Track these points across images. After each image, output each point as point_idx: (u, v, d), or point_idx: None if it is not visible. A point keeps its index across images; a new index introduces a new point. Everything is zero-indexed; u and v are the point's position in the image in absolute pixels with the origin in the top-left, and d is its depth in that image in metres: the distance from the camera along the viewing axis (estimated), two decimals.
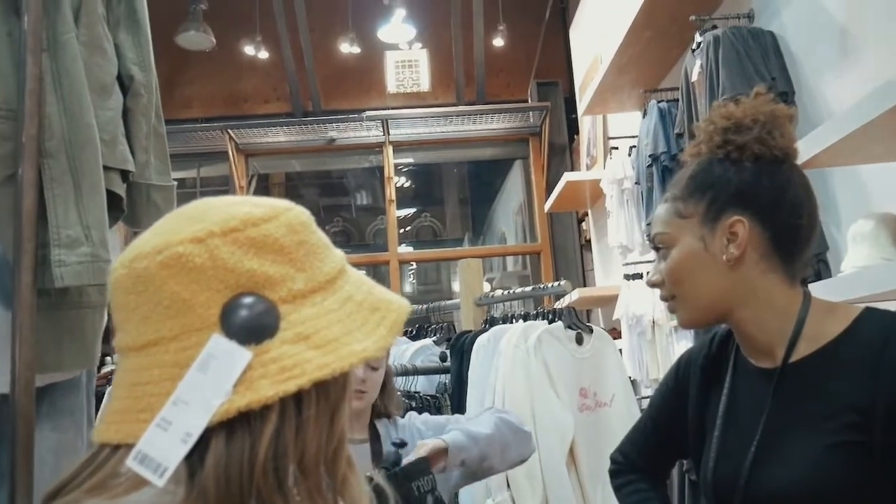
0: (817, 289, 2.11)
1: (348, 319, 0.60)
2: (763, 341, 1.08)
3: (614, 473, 1.36)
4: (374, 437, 1.72)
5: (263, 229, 0.59)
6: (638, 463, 1.32)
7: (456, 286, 8.77)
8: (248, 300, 0.56)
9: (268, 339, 0.56)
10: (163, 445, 0.52)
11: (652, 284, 1.14)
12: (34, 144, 1.12)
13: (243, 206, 0.61)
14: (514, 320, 2.41)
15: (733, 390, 1.13)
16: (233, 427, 0.54)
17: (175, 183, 1.45)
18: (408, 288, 9.21)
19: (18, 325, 1.08)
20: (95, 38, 1.28)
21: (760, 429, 1.04)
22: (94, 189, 1.17)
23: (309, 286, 0.60)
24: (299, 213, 0.64)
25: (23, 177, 1.11)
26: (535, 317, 2.36)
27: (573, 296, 4.12)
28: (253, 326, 0.56)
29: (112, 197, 1.26)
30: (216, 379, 0.53)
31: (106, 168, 1.23)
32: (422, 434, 1.72)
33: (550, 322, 2.27)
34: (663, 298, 1.13)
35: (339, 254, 0.66)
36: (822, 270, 2.76)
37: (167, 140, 1.47)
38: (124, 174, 1.29)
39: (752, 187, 1.06)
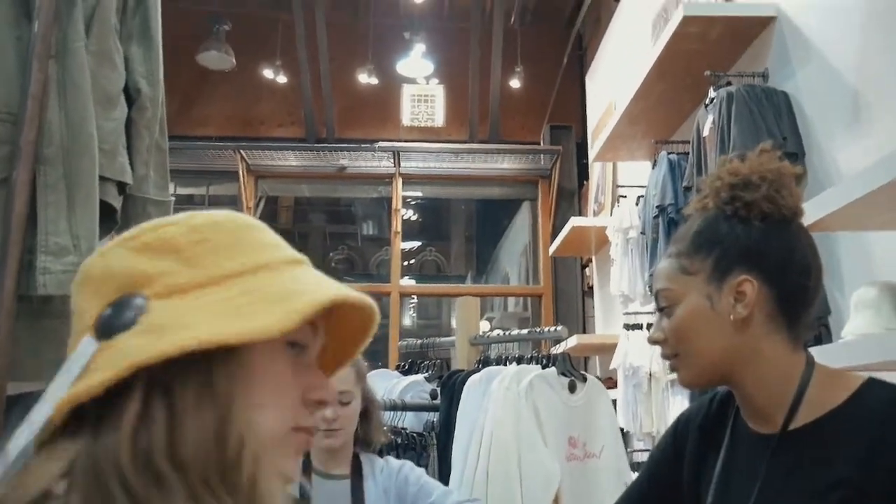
0: (818, 353, 2.07)
1: (231, 309, 0.56)
2: (763, 405, 1.05)
3: None
4: (356, 472, 1.68)
5: (161, 232, 0.59)
6: None
7: (455, 322, 8.73)
8: (121, 300, 0.57)
9: (121, 332, 0.55)
10: (18, 441, 0.54)
11: (654, 342, 1.11)
12: (31, 149, 1.12)
13: (170, 217, 0.63)
14: (508, 362, 2.37)
15: (730, 455, 1.09)
16: (100, 423, 0.54)
17: (173, 199, 1.44)
18: (407, 321, 9.18)
19: None
20: (105, 48, 1.28)
21: (754, 497, 1.01)
22: (87, 199, 1.16)
23: (195, 281, 0.57)
24: (217, 217, 0.62)
25: (16, 180, 1.10)
26: (530, 360, 2.32)
27: (571, 342, 4.09)
28: (111, 323, 0.56)
29: (107, 208, 1.25)
30: (67, 375, 0.55)
31: (103, 178, 1.22)
32: (405, 490, 1.68)
33: (544, 367, 2.24)
34: (665, 357, 1.11)
35: (274, 253, 0.62)
36: (823, 335, 2.72)
37: (181, 156, 1.47)
38: (121, 186, 1.28)
39: (761, 246, 1.05)
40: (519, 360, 2.35)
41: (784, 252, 1.05)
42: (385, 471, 1.71)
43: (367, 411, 1.73)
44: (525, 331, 2.65)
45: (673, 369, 1.10)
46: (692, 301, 1.05)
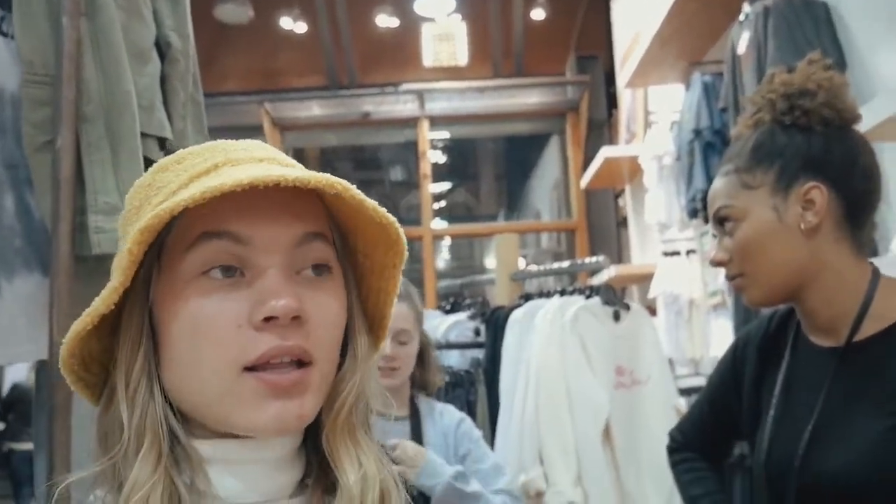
0: None
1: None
2: (828, 318, 1.03)
3: (671, 450, 1.35)
4: (415, 414, 1.70)
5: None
6: (694, 442, 1.31)
7: (488, 262, 8.75)
8: None
9: None
10: None
11: (717, 263, 1.09)
12: (72, 109, 1.12)
13: None
14: (550, 296, 2.37)
15: (792, 370, 1.09)
16: None
17: None
18: (441, 263, 9.21)
19: (56, 292, 1.08)
20: (134, 3, 1.26)
21: (818, 409, 1.01)
22: (131, 155, 1.17)
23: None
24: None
25: (61, 142, 1.10)
26: (572, 293, 2.32)
27: (609, 273, 4.08)
28: None
29: (149, 165, 1.25)
30: None
31: (143, 135, 1.22)
32: (462, 444, 1.69)
33: (588, 298, 2.23)
34: (729, 277, 1.09)
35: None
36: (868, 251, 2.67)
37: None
38: (161, 141, 1.28)
39: (824, 153, 1.02)
40: (561, 293, 2.35)
41: (848, 157, 1.03)
42: (445, 416, 1.73)
43: (424, 353, 1.74)
44: (566, 263, 2.64)
45: (739, 289, 1.08)
46: (758, 215, 1.04)
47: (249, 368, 0.55)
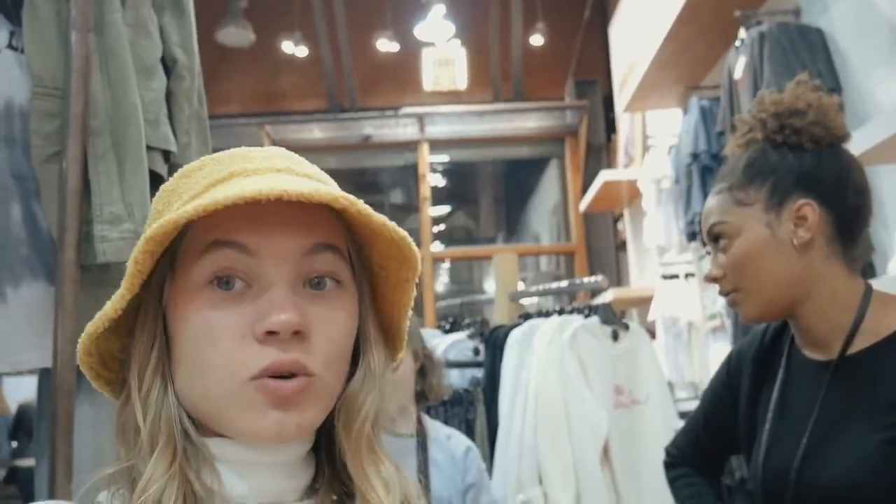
0: None
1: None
2: (822, 333, 1.05)
3: (668, 466, 1.36)
4: (421, 434, 1.70)
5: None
6: (691, 457, 1.32)
7: (487, 285, 8.76)
8: None
9: None
10: None
11: (712, 279, 1.10)
12: (79, 121, 1.13)
13: None
14: (549, 315, 2.38)
15: (786, 383, 1.10)
16: None
17: None
18: (440, 287, 9.21)
19: (61, 300, 1.09)
20: (141, 19, 1.29)
21: (813, 421, 1.02)
22: (136, 166, 1.18)
23: None
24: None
25: (69, 153, 1.12)
26: (571, 312, 2.33)
27: (608, 296, 4.09)
28: None
29: (153, 177, 1.26)
30: None
31: (148, 148, 1.24)
32: (468, 472, 1.70)
33: (586, 317, 2.24)
34: (724, 293, 1.10)
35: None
36: (866, 272, 2.69)
37: None
38: (166, 155, 1.30)
39: (816, 170, 1.05)
40: (560, 312, 2.36)
41: (839, 174, 1.05)
42: (453, 441, 1.74)
43: (425, 368, 1.74)
44: (565, 283, 2.65)
45: (733, 304, 1.09)
46: (751, 231, 1.05)
47: (252, 378, 0.56)
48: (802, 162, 1.06)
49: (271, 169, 0.61)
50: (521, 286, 3.32)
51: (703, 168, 3.00)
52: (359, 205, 0.57)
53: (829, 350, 1.05)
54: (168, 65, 1.37)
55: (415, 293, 0.66)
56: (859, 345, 1.02)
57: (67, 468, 1.11)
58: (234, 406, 0.56)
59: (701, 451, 1.30)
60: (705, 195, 2.96)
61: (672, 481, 1.33)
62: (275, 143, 6.38)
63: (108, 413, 1.26)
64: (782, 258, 1.04)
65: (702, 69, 3.45)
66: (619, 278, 6.01)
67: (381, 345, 0.65)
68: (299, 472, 0.62)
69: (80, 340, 0.60)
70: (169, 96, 1.36)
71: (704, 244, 1.16)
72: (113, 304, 0.58)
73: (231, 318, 0.56)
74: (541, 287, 2.72)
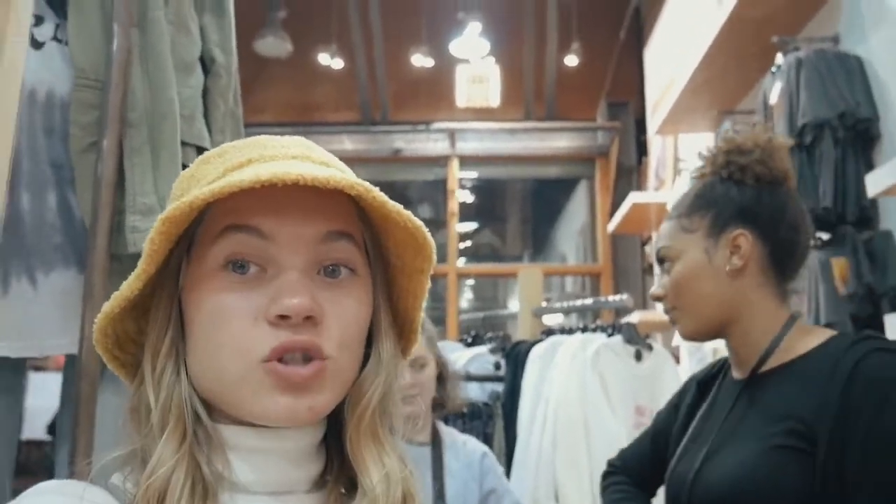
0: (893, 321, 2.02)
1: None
2: (744, 353, 1.14)
3: (605, 475, 1.42)
4: (436, 441, 1.70)
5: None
6: (632, 468, 1.38)
7: (511, 304, 8.73)
8: None
9: None
10: None
11: (655, 297, 1.20)
12: (118, 114, 1.16)
13: None
14: (572, 332, 2.37)
15: (713, 400, 1.20)
16: None
17: None
18: (464, 303, 9.20)
19: (89, 287, 1.10)
20: (182, 17, 1.31)
21: (716, 430, 1.12)
22: (171, 160, 1.20)
23: None
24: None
25: (105, 144, 1.14)
26: (595, 330, 2.32)
27: (633, 318, 4.05)
28: None
29: None
30: None
31: (183, 143, 1.26)
32: (485, 478, 1.69)
33: (609, 336, 2.23)
34: (666, 311, 1.19)
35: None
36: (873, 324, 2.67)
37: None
38: (200, 151, 1.32)
39: (754, 204, 1.14)
40: (584, 330, 2.34)
41: (775, 210, 1.14)
42: (469, 447, 1.73)
43: (442, 376, 1.74)
44: (590, 300, 2.63)
45: (673, 322, 1.18)
46: (691, 255, 1.15)
47: (264, 360, 0.56)
48: (744, 196, 1.15)
49: (288, 156, 0.61)
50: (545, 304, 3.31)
51: None
52: (374, 192, 0.57)
53: (747, 369, 1.13)
54: (206, 63, 1.40)
55: (429, 285, 0.66)
56: (770, 364, 1.10)
57: (87, 452, 1.12)
58: (245, 389, 0.56)
59: (642, 465, 1.36)
60: None
61: (604, 488, 1.39)
62: None
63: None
64: (716, 282, 1.13)
65: (736, 94, 3.42)
66: (644, 302, 5.96)
67: (392, 335, 0.65)
68: (309, 463, 0.62)
69: (96, 320, 0.61)
70: (205, 94, 1.38)
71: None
72: (129, 285, 0.58)
73: (244, 301, 0.56)
74: (565, 304, 2.71)
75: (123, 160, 1.16)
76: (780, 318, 1.13)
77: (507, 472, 2.20)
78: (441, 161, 6.62)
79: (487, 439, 2.28)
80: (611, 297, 2.58)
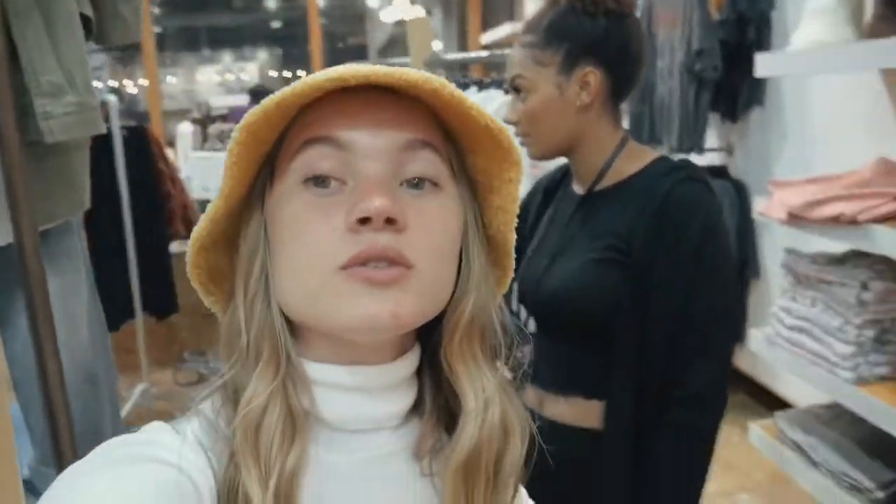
0: (765, 59, 2.15)
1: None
2: (584, 171, 1.29)
3: None
4: None
5: None
6: None
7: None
8: None
9: None
10: None
11: (509, 122, 1.27)
12: None
13: None
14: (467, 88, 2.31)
15: (556, 209, 1.36)
16: None
17: None
18: None
19: (14, 184, 1.03)
20: None
21: (555, 243, 1.30)
22: (68, 22, 1.06)
23: None
24: None
25: None
26: (489, 86, 2.26)
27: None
28: None
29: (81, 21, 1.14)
30: None
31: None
32: None
33: (506, 94, 2.21)
34: (518, 135, 1.29)
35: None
36: (762, 32, 2.81)
37: None
38: (85, 21, 1.15)
39: (604, 39, 1.22)
40: (480, 86, 2.29)
41: (622, 45, 1.23)
42: None
43: None
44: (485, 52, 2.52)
45: (523, 146, 1.30)
46: (544, 90, 1.24)
47: (343, 267, 0.54)
48: (595, 30, 1.21)
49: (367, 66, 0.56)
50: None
51: None
52: (450, 87, 0.55)
53: (585, 187, 1.29)
54: None
55: (520, 196, 0.63)
56: (604, 184, 1.27)
57: (52, 335, 1.13)
58: (325, 297, 0.54)
59: None
60: None
61: None
62: None
63: (71, 280, 1.27)
64: (565, 115, 1.24)
65: None
66: None
67: (483, 254, 0.63)
68: (397, 397, 0.61)
69: (188, 249, 0.60)
70: None
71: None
72: (214, 206, 0.57)
73: (323, 213, 0.55)
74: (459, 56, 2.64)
75: (11, 31, 1.01)
76: (614, 140, 1.27)
77: None
78: None
79: None
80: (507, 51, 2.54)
